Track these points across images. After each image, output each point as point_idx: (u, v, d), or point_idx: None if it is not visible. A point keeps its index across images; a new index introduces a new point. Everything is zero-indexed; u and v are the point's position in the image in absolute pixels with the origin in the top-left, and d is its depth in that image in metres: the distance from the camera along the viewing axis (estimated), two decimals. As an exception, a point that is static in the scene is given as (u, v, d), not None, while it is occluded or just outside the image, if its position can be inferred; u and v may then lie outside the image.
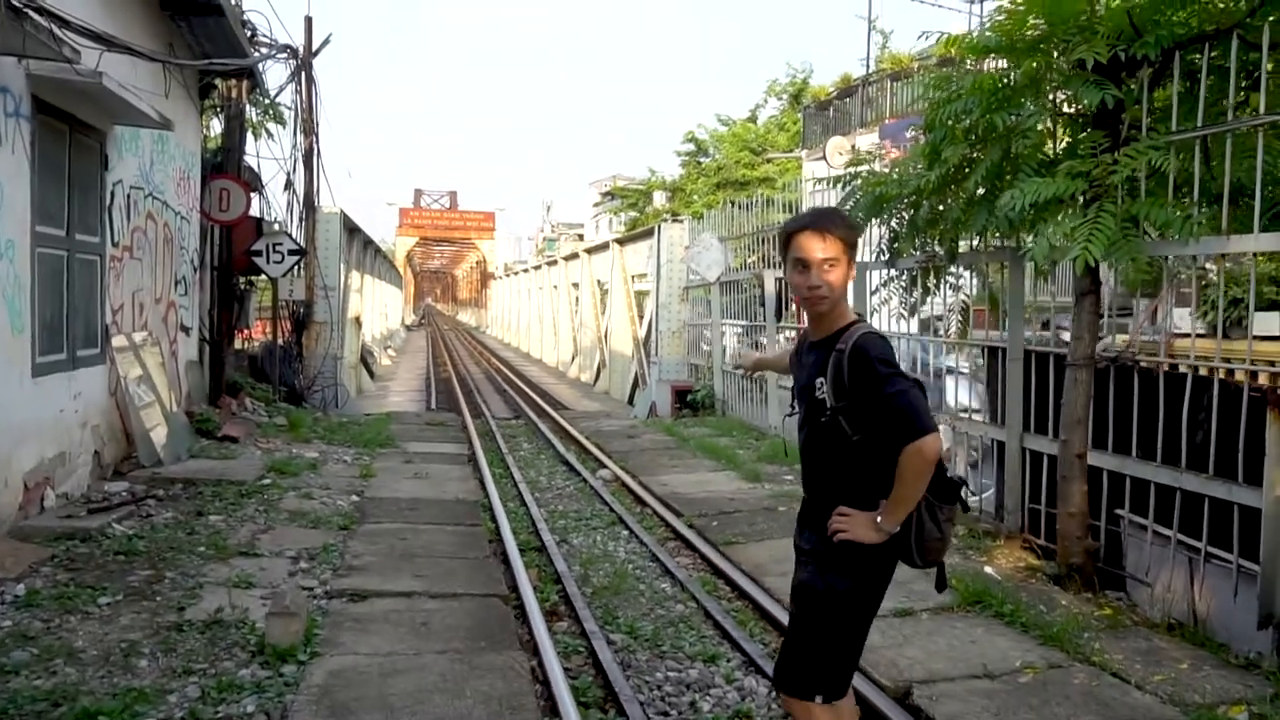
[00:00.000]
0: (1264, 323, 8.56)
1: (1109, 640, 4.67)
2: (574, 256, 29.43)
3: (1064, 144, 6.02)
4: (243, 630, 4.53)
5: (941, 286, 8.00)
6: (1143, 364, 5.64)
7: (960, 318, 8.16)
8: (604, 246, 24.91)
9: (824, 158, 21.37)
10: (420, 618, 4.89)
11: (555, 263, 32.80)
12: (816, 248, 2.67)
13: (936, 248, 7.21)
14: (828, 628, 2.71)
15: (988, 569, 5.91)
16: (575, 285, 28.61)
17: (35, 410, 6.52)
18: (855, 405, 2.63)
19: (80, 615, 4.69)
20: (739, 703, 4.15)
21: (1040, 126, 5.87)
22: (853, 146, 21.84)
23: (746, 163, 31.08)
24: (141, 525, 6.39)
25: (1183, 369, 5.37)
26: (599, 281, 25.24)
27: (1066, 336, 6.86)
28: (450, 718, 3.71)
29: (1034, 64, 5.44)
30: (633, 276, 21.51)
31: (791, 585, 2.90)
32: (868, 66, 26.75)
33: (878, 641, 4.59)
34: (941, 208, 6.67)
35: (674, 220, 19.13)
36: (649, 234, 18.86)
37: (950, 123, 5.98)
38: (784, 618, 4.93)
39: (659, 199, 38.55)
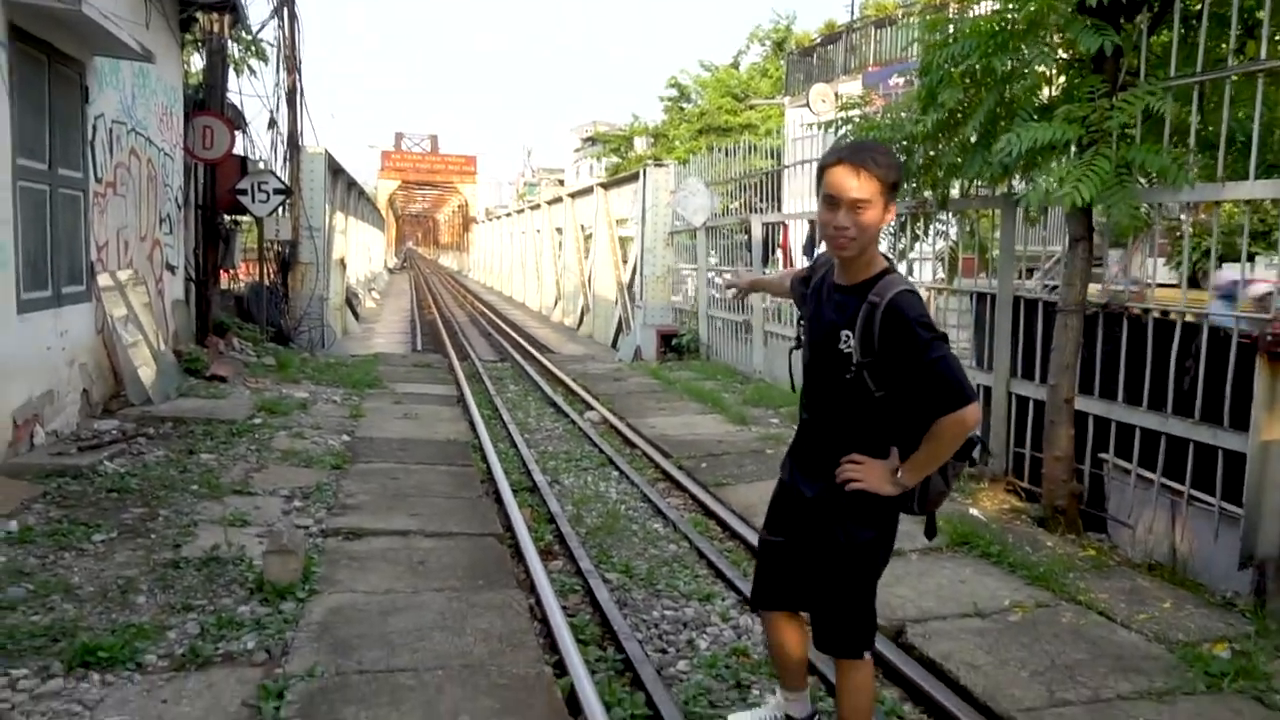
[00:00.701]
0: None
1: (1094, 580, 4.78)
2: (557, 200, 29.17)
3: (1060, 89, 5.99)
4: (240, 568, 4.55)
5: (930, 233, 8.01)
6: (1132, 311, 5.70)
7: (947, 264, 8.19)
8: (588, 190, 24.68)
9: (807, 105, 21.15)
10: (417, 556, 4.93)
11: (538, 207, 32.49)
12: (850, 185, 2.48)
13: (927, 194, 7.20)
14: (863, 581, 2.69)
15: (973, 511, 6.01)
16: (559, 230, 28.39)
17: (22, 348, 6.44)
18: (883, 363, 2.52)
19: (75, 552, 4.69)
20: (735, 640, 4.22)
21: (1039, 69, 5.83)
22: (836, 94, 21.60)
23: (729, 109, 30.74)
24: (133, 463, 6.37)
25: (1157, 314, 5.43)
26: (582, 226, 25.06)
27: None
28: (451, 654, 3.76)
29: (1034, 6, 5.38)
30: (617, 221, 21.36)
31: (785, 535, 2.81)
32: (852, 12, 26.39)
33: (869, 580, 4.69)
34: (933, 153, 6.65)
35: (659, 165, 18.94)
36: (634, 178, 18.69)
37: (947, 66, 5.93)
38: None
39: (641, 145, 38.14)
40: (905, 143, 6.68)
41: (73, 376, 7.29)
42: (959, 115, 6.12)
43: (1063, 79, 6.06)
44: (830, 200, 2.53)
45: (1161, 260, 7.97)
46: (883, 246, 8.24)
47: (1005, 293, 6.73)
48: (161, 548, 4.81)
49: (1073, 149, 5.46)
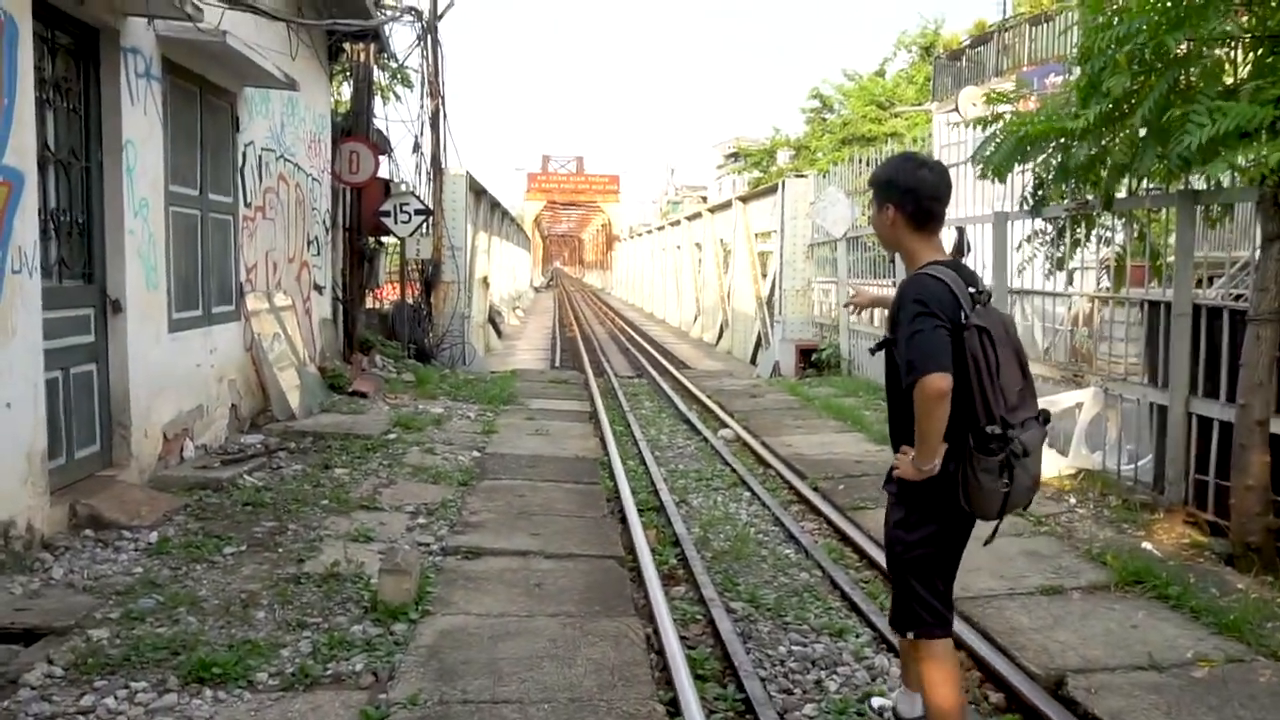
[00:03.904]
0: None
1: (1296, 631, 4.12)
2: (697, 216, 29.04)
3: (1248, 68, 5.31)
4: (357, 585, 4.50)
5: (1092, 238, 7.33)
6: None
7: (1113, 272, 7.47)
8: (727, 205, 24.43)
9: (956, 109, 20.22)
10: (534, 578, 4.77)
11: (678, 223, 32.47)
12: None
13: (1089, 194, 6.58)
14: (900, 567, 2.93)
15: (1146, 545, 5.37)
16: (698, 245, 28.24)
17: (172, 364, 6.72)
18: (896, 340, 2.78)
19: (206, 564, 4.77)
20: (869, 683, 3.84)
21: (1219, 53, 5.20)
22: (987, 95, 20.52)
23: (873, 117, 29.91)
24: (271, 477, 6.53)
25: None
26: (722, 240, 24.82)
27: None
28: (559, 687, 3.55)
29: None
30: (756, 235, 21.02)
31: None
32: (1004, 11, 25.10)
33: (1024, 623, 4.20)
34: (1095, 150, 6.05)
35: (798, 176, 18.52)
36: (772, 191, 18.35)
37: (1112, 50, 5.36)
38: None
39: (783, 158, 37.68)
40: (1063, 140, 6.12)
41: (221, 392, 7.59)
42: (1126, 106, 5.53)
43: (1250, 58, 5.38)
44: None
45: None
46: (1039, 259, 7.63)
47: (1183, 300, 6.04)
48: (286, 562, 4.84)
49: (1264, 136, 4.80)
